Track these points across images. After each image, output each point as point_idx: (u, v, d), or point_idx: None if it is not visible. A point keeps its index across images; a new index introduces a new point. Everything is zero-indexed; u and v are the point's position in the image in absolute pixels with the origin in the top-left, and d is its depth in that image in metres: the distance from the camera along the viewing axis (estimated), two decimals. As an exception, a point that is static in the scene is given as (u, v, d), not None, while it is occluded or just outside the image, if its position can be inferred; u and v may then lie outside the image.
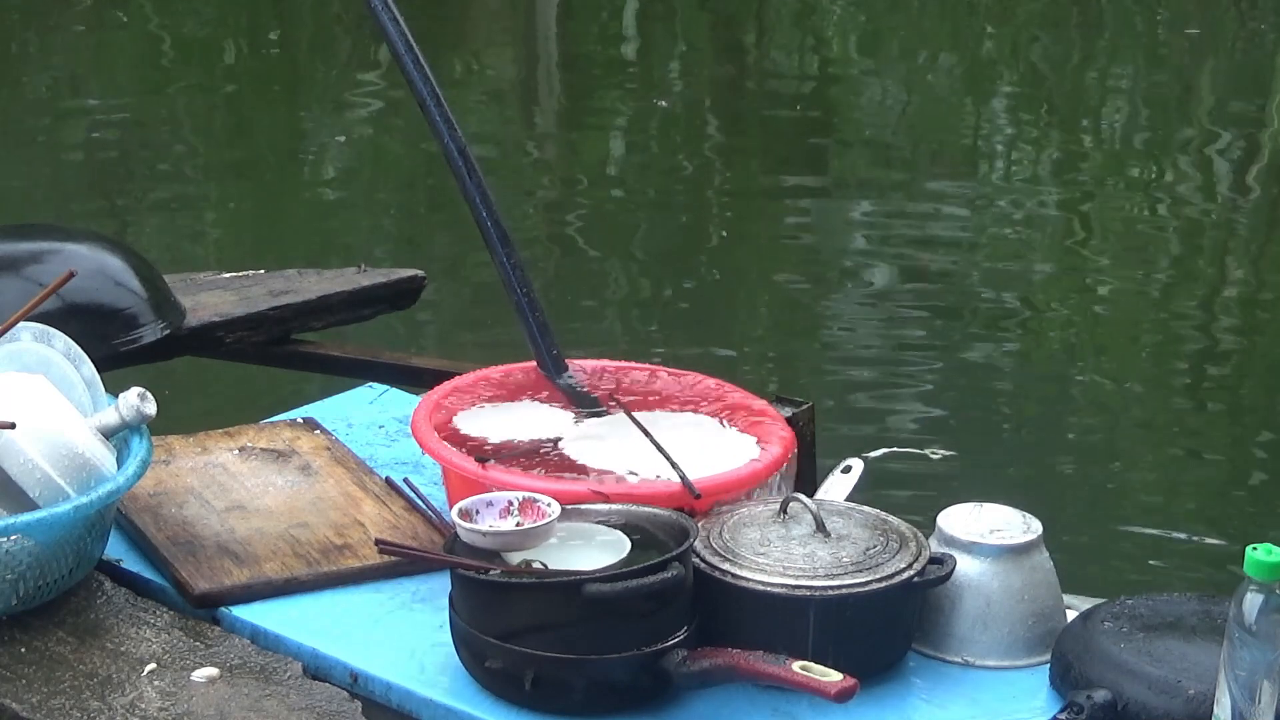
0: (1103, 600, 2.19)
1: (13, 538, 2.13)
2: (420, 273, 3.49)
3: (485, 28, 10.11)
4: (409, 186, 7.13)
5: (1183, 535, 4.40)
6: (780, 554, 2.10)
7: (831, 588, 2.06)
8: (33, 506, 2.19)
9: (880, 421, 4.89)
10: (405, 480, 2.53)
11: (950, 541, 2.17)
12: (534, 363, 2.66)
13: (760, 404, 2.54)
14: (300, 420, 2.76)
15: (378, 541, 2.24)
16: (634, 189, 7.21)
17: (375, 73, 8.62)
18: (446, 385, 2.59)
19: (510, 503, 2.16)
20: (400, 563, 2.30)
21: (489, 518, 2.14)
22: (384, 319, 3.55)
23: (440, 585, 2.18)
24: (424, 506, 2.45)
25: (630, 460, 2.35)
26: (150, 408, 2.31)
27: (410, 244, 6.41)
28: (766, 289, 6.11)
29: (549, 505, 2.14)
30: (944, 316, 5.73)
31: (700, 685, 2.04)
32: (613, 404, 2.53)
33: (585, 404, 2.55)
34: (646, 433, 2.40)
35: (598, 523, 2.17)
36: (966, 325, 5.67)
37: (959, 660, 2.16)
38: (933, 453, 4.64)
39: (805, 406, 2.82)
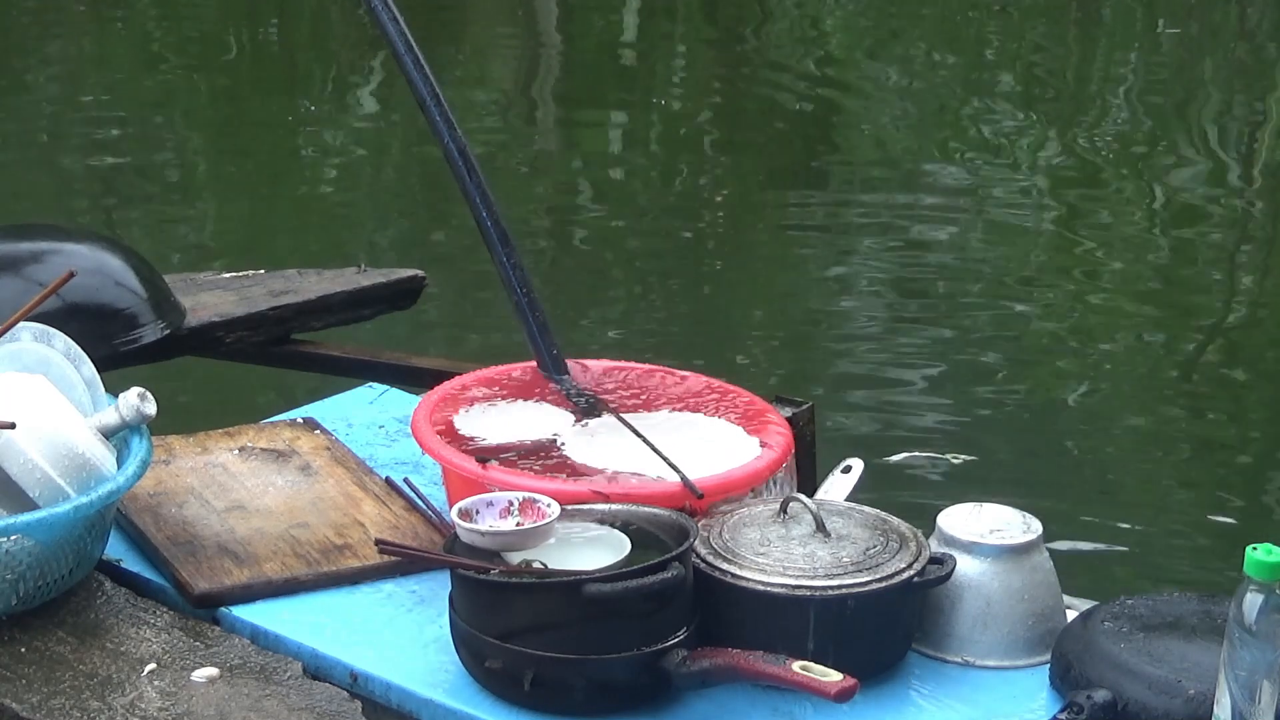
0: (1103, 600, 2.19)
1: (13, 538, 2.13)
2: (420, 273, 3.49)
3: (485, 28, 10.11)
4: (409, 186, 7.13)
5: (1183, 535, 4.40)
6: (780, 554, 2.10)
7: (831, 588, 2.06)
8: (33, 506, 2.19)
9: (881, 422, 4.89)
10: (405, 480, 2.53)
11: (950, 541, 2.17)
12: (534, 363, 2.66)
13: (760, 404, 2.54)
14: (300, 420, 2.76)
15: (378, 541, 2.24)
16: (634, 189, 7.21)
17: (375, 72, 8.62)
18: (447, 385, 2.58)
19: (510, 503, 2.16)
20: (400, 563, 2.30)
21: (489, 518, 2.14)
22: (384, 319, 3.55)
23: (440, 585, 2.18)
24: (424, 506, 2.45)
25: (630, 460, 2.35)
26: (150, 408, 2.31)
27: (410, 244, 6.41)
28: (767, 289, 6.11)
29: (548, 505, 2.14)
30: (944, 316, 5.73)
31: (700, 685, 2.04)
32: (612, 405, 2.53)
33: (585, 404, 2.55)
34: (641, 436, 2.39)
35: (598, 523, 2.17)
36: (967, 325, 5.66)
37: (959, 660, 2.16)
38: (954, 457, 4.64)
39: (805, 406, 2.82)
